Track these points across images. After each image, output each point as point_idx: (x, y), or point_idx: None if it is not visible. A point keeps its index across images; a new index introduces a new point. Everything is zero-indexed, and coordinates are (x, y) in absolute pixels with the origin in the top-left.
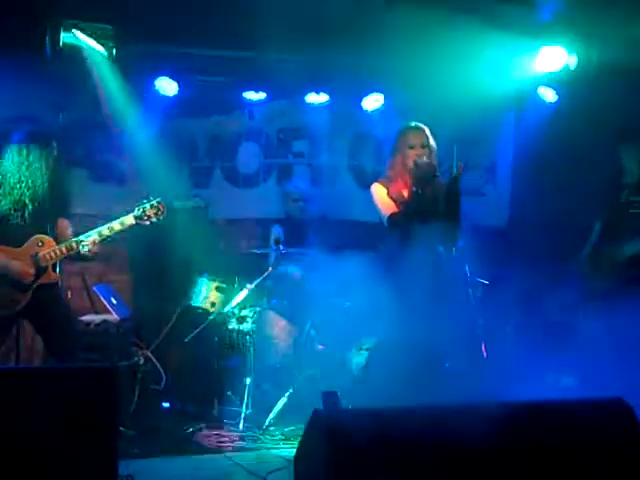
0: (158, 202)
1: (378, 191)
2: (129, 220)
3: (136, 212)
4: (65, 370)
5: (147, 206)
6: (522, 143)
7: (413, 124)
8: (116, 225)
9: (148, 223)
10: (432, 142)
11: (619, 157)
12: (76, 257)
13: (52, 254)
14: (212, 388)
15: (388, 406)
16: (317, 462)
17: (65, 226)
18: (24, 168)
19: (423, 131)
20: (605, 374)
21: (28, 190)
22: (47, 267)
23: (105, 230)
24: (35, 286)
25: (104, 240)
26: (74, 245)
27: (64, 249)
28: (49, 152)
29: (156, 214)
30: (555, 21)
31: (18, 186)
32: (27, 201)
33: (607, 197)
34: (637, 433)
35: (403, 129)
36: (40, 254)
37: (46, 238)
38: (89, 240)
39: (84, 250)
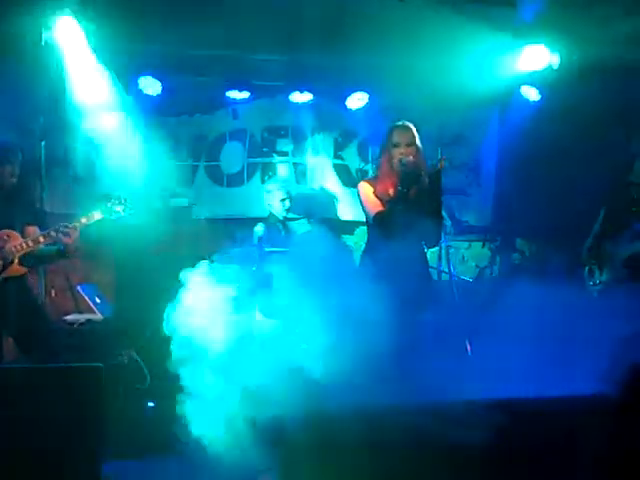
0: (124, 199)
1: (364, 189)
2: (97, 215)
3: (102, 208)
4: (50, 369)
5: (115, 202)
6: (506, 142)
7: (400, 123)
8: (83, 219)
9: (115, 217)
10: (418, 141)
11: (630, 152)
12: (58, 256)
13: (18, 247)
14: None
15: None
16: (303, 458)
17: (34, 232)
18: None
19: (409, 130)
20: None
21: None
22: (13, 260)
23: (72, 225)
24: (1, 279)
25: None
26: (40, 239)
27: (30, 242)
28: (10, 163)
29: (123, 209)
30: (537, 21)
31: None
32: None
33: (613, 191)
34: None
35: (390, 128)
36: (5, 248)
37: (13, 233)
38: (55, 232)
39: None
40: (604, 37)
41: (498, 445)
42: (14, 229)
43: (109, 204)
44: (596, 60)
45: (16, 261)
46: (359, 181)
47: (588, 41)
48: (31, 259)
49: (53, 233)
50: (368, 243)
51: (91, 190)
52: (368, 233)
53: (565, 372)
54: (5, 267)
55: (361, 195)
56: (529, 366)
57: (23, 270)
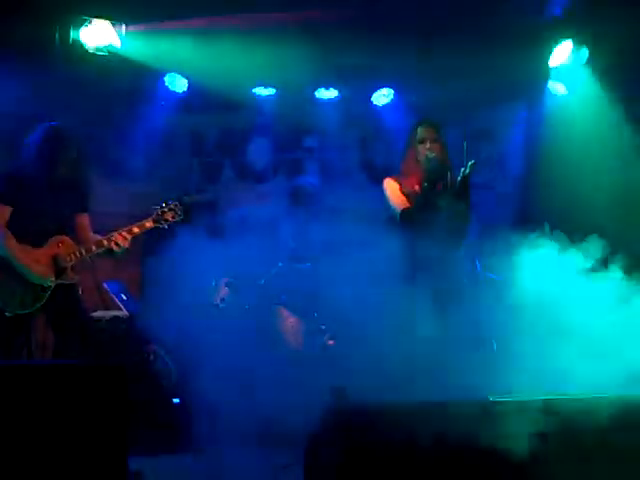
0: (175, 204)
1: (390, 186)
2: (148, 223)
3: (154, 215)
4: (76, 367)
5: (165, 209)
6: (533, 137)
7: (425, 119)
8: (135, 228)
9: (166, 226)
10: (442, 137)
11: None
12: (106, 255)
13: (72, 256)
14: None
15: (398, 401)
16: (327, 456)
17: (86, 223)
18: (44, 167)
19: (435, 126)
20: None
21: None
22: (66, 268)
23: (124, 233)
24: (53, 286)
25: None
26: (93, 248)
27: (83, 251)
28: (68, 149)
29: (173, 216)
30: (565, 16)
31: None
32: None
33: None
34: None
35: (415, 124)
36: (59, 255)
37: (66, 239)
38: (107, 241)
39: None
40: (633, 32)
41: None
42: (65, 218)
43: (160, 211)
44: (625, 55)
45: (69, 270)
46: (385, 178)
47: (617, 36)
48: (82, 264)
49: (105, 242)
50: (395, 239)
51: (120, 188)
52: (395, 229)
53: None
54: (58, 276)
55: (387, 192)
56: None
57: (75, 277)
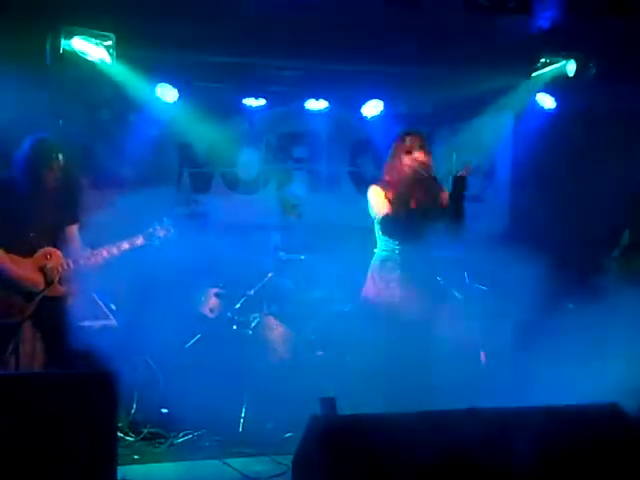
0: (167, 223)
1: (375, 192)
2: (139, 241)
3: (145, 234)
4: (64, 376)
5: (157, 227)
6: (521, 149)
7: (410, 129)
8: (125, 244)
9: (157, 243)
10: (427, 146)
11: None
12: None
13: (60, 268)
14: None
15: (387, 412)
16: (315, 467)
17: (75, 234)
18: (31, 179)
19: (420, 135)
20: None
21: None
22: (54, 280)
23: (114, 249)
24: (42, 296)
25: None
26: (81, 262)
27: (71, 264)
28: (54, 161)
29: (165, 234)
30: (553, 28)
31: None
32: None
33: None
34: (631, 437)
35: (400, 134)
36: (48, 267)
37: (54, 251)
38: (95, 255)
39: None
40: (620, 45)
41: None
42: (54, 230)
43: (152, 229)
44: (612, 68)
45: (56, 282)
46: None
47: (605, 49)
48: (70, 275)
49: (93, 258)
50: (378, 249)
51: (109, 197)
52: (378, 239)
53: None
54: (46, 286)
55: (370, 198)
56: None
57: (62, 290)
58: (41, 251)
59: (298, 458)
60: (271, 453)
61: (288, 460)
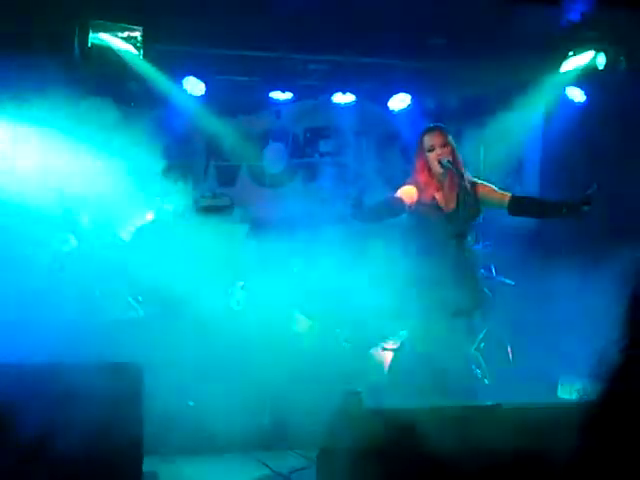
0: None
1: (406, 188)
2: None
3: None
4: (91, 365)
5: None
6: (550, 143)
7: (430, 126)
8: None
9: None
10: (451, 140)
11: None
12: None
13: None
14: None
15: (413, 405)
16: (339, 460)
17: None
18: None
19: (440, 130)
20: None
21: None
22: None
23: None
24: None
25: None
26: None
27: None
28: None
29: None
30: (583, 21)
31: None
32: None
33: None
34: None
35: (421, 132)
36: None
37: None
38: None
39: None
40: None
41: None
42: None
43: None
44: None
45: None
46: (401, 182)
47: (636, 42)
48: None
49: None
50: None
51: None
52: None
53: None
54: None
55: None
56: None
57: None
58: None
59: (323, 451)
60: (295, 447)
61: (313, 454)
